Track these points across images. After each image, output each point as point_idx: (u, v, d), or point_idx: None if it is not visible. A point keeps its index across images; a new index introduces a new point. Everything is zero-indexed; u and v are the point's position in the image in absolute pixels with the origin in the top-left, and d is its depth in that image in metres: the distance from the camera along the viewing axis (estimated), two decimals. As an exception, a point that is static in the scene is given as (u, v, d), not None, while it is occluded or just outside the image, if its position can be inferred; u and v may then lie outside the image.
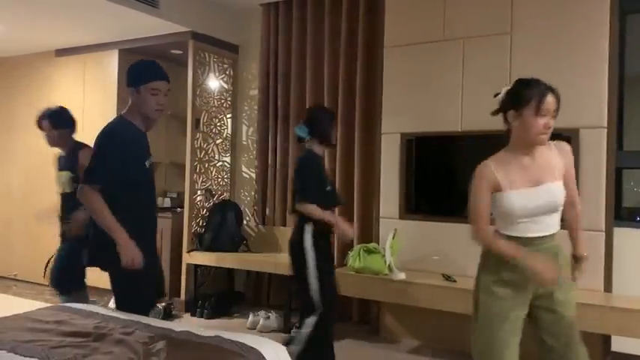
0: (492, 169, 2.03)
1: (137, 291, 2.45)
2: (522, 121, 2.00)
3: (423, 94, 3.98)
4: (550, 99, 2.00)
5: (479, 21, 3.76)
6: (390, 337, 4.05)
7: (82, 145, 3.49)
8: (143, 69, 2.58)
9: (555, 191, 2.02)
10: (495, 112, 2.12)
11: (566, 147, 2.15)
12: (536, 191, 2.00)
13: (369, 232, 4.28)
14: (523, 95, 2.01)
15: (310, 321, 2.93)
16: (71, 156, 3.45)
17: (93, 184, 2.38)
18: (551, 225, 2.03)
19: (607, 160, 3.33)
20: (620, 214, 3.48)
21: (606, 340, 3.32)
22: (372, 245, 3.98)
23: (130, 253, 2.33)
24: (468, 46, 3.81)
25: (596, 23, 3.39)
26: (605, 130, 3.34)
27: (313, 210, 2.92)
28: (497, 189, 2.03)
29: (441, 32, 3.89)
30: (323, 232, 3.02)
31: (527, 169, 2.04)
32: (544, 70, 3.53)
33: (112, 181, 2.39)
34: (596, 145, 3.35)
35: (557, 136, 3.42)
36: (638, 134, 3.75)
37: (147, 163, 2.54)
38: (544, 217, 2.01)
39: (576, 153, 3.38)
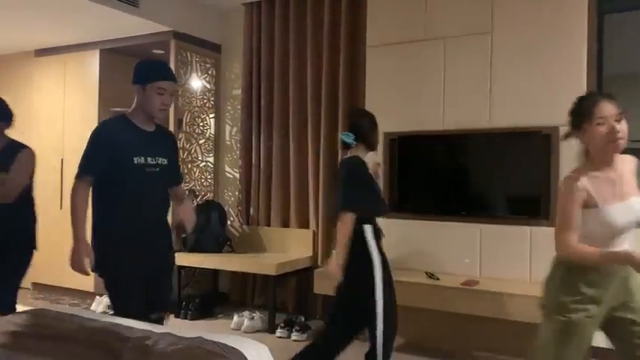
0: (585, 182, 1.95)
1: (123, 300, 2.43)
2: (587, 135, 1.97)
3: (406, 93, 4.00)
4: (604, 104, 1.93)
5: (460, 21, 3.79)
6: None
7: (23, 146, 3.14)
8: (151, 68, 2.59)
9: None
10: (565, 137, 2.11)
11: (633, 159, 2.10)
12: (627, 206, 1.95)
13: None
14: (578, 110, 1.99)
15: (379, 331, 2.67)
16: (4, 156, 3.06)
17: (78, 178, 2.41)
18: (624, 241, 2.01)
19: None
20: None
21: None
22: (355, 244, 3.98)
23: (74, 261, 2.35)
24: (449, 46, 3.83)
25: (575, 23, 3.44)
26: (584, 128, 3.38)
27: (347, 223, 2.66)
28: (588, 204, 1.94)
29: (422, 32, 3.92)
30: (378, 234, 2.80)
31: (614, 183, 1.98)
32: (524, 69, 3.59)
33: (96, 176, 2.41)
34: (576, 143, 3.38)
35: (536, 133, 3.51)
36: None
37: (136, 160, 2.45)
38: (627, 234, 1.98)
39: (556, 150, 3.44)
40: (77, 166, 2.45)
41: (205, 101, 5.10)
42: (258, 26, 4.85)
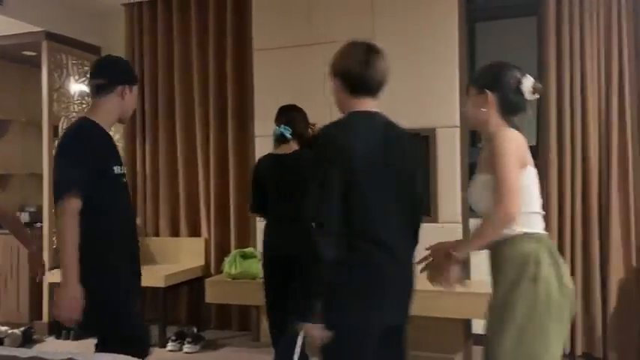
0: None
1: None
2: None
3: (293, 97, 3.99)
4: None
5: (342, 27, 3.87)
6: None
7: None
8: (130, 68, 2.37)
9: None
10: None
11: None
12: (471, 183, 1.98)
13: (245, 237, 4.24)
14: None
15: None
16: None
17: (67, 196, 1.97)
18: None
19: (460, 156, 3.59)
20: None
21: (467, 323, 3.57)
22: (248, 250, 3.94)
23: (70, 308, 1.96)
24: (332, 51, 3.89)
25: (447, 31, 3.66)
26: (458, 129, 3.60)
27: None
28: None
29: (307, 36, 3.96)
30: None
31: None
32: (404, 74, 3.73)
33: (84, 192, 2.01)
34: (451, 143, 3.61)
35: (416, 135, 3.68)
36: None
37: (116, 169, 2.16)
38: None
39: (434, 150, 3.63)
40: (55, 186, 2.03)
41: (84, 106, 4.78)
42: (140, 28, 4.65)
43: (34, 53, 4.71)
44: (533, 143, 3.80)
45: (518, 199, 1.69)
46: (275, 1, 4.06)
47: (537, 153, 3.72)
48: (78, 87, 4.72)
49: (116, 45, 4.79)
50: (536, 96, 1.87)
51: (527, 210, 1.79)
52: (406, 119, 3.63)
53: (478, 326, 3.57)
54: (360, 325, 1.78)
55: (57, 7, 4.45)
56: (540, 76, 3.71)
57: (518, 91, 1.85)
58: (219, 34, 4.38)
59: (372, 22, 3.82)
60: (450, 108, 3.62)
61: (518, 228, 1.76)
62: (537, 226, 1.83)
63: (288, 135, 2.89)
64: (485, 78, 1.92)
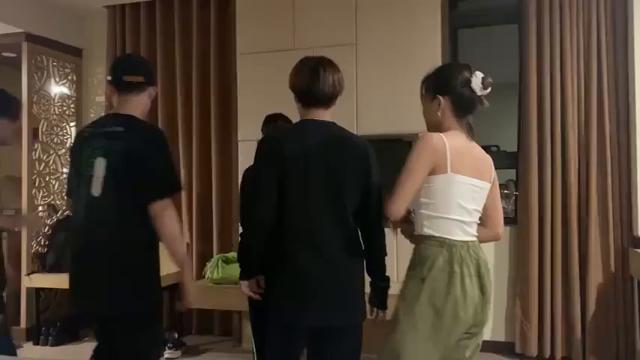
0: None
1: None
2: None
3: (277, 101, 3.96)
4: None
5: (326, 32, 3.88)
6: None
7: None
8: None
9: None
10: None
11: None
12: None
13: (227, 242, 4.22)
14: None
15: None
16: None
17: (171, 194, 2.07)
18: None
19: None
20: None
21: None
22: (230, 254, 3.92)
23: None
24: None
25: (430, 36, 3.68)
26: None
27: None
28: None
29: (291, 41, 3.96)
30: None
31: None
32: (386, 79, 3.76)
33: None
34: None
35: (399, 140, 3.70)
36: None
37: None
38: None
39: (417, 156, 3.64)
40: (162, 181, 2.07)
41: (65, 108, 4.73)
42: (122, 30, 4.60)
43: (13, 54, 4.65)
44: (514, 149, 3.85)
45: (400, 201, 1.82)
46: (259, 5, 4.05)
47: (518, 158, 3.77)
48: (59, 89, 4.67)
49: (98, 47, 4.75)
50: (488, 90, 1.90)
51: (436, 214, 1.85)
52: (388, 124, 3.71)
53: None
54: (276, 325, 1.93)
55: (38, 9, 4.40)
56: (521, 82, 3.76)
57: (469, 90, 1.89)
58: (202, 38, 4.36)
59: (354, 28, 3.83)
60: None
61: (427, 230, 1.86)
62: (445, 231, 1.85)
63: None
64: (435, 83, 1.97)
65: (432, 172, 1.83)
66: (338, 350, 1.93)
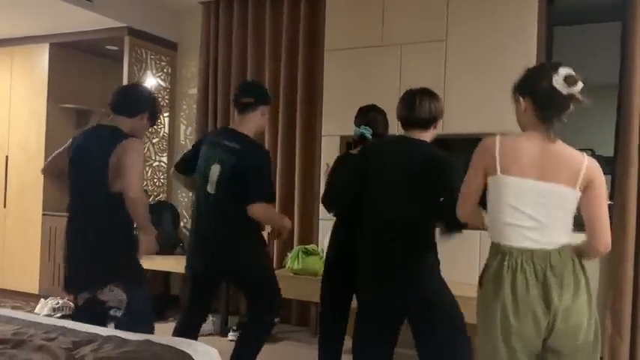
0: None
1: None
2: None
3: (362, 97, 3.99)
4: None
5: (415, 28, 3.85)
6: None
7: None
8: (268, 92, 2.99)
9: None
10: None
11: None
12: None
13: (308, 234, 4.29)
14: None
15: None
16: None
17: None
18: None
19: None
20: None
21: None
22: (310, 247, 3.99)
23: None
24: (405, 52, 3.89)
25: (525, 34, 3.55)
26: (533, 135, 3.49)
27: None
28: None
29: (379, 38, 3.96)
30: None
31: None
32: (476, 76, 3.67)
33: None
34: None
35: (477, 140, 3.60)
36: (564, 137, 3.92)
37: None
38: None
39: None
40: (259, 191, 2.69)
41: (160, 99, 4.99)
42: (215, 26, 4.79)
43: (116, 48, 4.96)
44: (610, 154, 3.64)
45: (463, 202, 1.96)
46: (349, 1, 4.08)
47: (615, 163, 3.56)
48: (155, 81, 4.93)
49: (192, 42, 4.97)
50: (575, 87, 1.79)
51: (491, 218, 1.88)
52: (478, 123, 3.62)
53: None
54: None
55: (139, 4, 4.67)
56: (622, 83, 3.54)
57: (551, 89, 1.81)
58: (291, 34, 4.44)
59: (445, 24, 3.77)
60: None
61: (490, 235, 1.90)
62: (500, 236, 1.85)
63: (368, 135, 2.91)
64: (519, 84, 1.94)
65: (487, 174, 1.87)
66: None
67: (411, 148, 2.37)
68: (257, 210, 2.65)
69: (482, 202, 1.95)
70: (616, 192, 3.55)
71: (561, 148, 1.85)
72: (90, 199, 2.51)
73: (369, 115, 3.02)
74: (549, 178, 1.79)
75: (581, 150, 2.10)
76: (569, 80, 1.79)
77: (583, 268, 1.83)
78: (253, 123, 2.78)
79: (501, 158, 1.80)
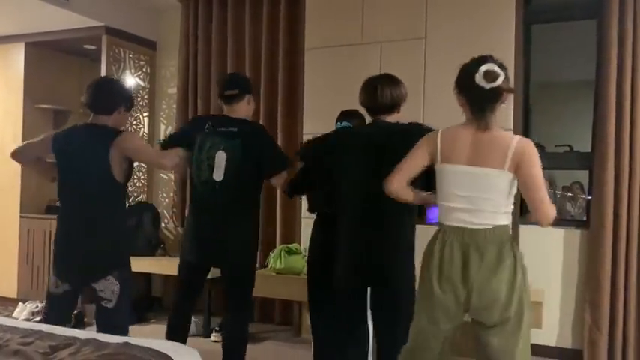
0: None
1: None
2: None
3: (343, 96, 3.99)
4: None
5: (395, 26, 3.86)
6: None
7: None
8: (251, 82, 3.12)
9: None
10: None
11: None
12: None
13: (290, 233, 4.28)
14: None
15: None
16: None
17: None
18: None
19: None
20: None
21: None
22: (293, 246, 3.98)
23: None
24: (385, 50, 3.90)
25: (503, 32, 3.58)
26: (511, 131, 3.52)
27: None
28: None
29: (359, 36, 3.96)
30: None
31: None
32: (455, 73, 3.65)
33: None
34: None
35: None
36: (542, 134, 4.01)
37: None
38: None
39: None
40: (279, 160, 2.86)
41: (139, 99, 4.94)
42: (195, 25, 4.75)
43: (93, 47, 4.89)
44: (588, 149, 3.69)
45: (393, 174, 2.05)
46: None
47: (592, 159, 3.61)
48: (133, 80, 4.87)
49: (171, 41, 4.92)
50: (495, 83, 1.90)
51: (438, 203, 2.05)
52: (456, 119, 3.63)
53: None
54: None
55: (117, 3, 4.61)
56: (598, 80, 3.59)
57: (474, 86, 1.93)
58: (271, 33, 4.43)
59: (424, 22, 3.78)
60: (504, 110, 3.53)
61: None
62: (441, 217, 2.03)
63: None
64: (455, 82, 2.06)
65: (432, 161, 2.01)
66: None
67: (376, 126, 2.50)
68: (280, 180, 2.84)
69: (430, 188, 2.14)
70: (593, 186, 3.61)
71: (494, 133, 1.95)
72: (91, 190, 2.50)
73: (352, 118, 3.12)
74: (480, 163, 1.92)
75: (559, 146, 2.14)
76: (488, 76, 1.90)
77: (513, 249, 1.94)
78: (242, 111, 2.88)
79: (442, 147, 1.97)
